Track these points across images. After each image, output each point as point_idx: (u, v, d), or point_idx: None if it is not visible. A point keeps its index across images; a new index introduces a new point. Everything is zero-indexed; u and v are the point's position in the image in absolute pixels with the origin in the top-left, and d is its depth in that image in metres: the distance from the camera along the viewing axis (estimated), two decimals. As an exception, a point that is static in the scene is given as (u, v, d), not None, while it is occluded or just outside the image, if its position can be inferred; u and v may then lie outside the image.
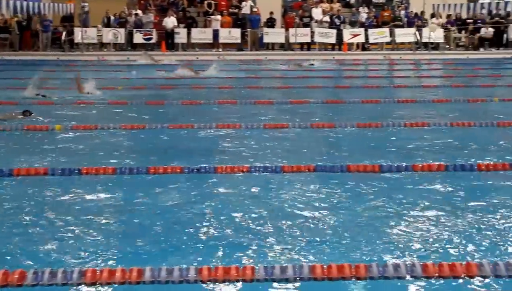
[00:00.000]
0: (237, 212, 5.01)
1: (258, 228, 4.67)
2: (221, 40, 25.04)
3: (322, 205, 5.19)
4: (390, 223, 4.75)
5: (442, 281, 3.59)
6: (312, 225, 4.71)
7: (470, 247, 4.22)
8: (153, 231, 4.61)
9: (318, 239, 4.38)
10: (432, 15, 27.06)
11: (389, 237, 4.44)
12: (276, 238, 4.42)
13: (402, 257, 4.02)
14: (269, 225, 4.71)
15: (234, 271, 3.65)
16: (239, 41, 25.14)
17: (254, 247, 4.25)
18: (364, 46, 25.55)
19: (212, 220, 4.86)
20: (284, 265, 3.74)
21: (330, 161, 6.57)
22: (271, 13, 25.90)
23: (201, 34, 25.21)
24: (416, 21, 26.05)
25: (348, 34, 25.14)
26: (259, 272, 3.63)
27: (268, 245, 4.29)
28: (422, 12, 26.66)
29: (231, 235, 4.51)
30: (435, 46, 25.57)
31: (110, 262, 3.99)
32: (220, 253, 4.15)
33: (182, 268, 3.63)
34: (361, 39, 25.29)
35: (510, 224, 4.70)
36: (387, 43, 25.65)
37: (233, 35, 25.02)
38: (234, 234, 4.53)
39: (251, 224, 4.74)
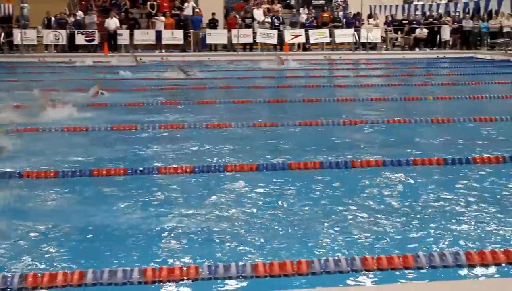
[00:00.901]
0: (178, 213, 5.06)
1: (199, 227, 4.74)
2: (164, 41, 25.00)
3: (263, 203, 5.31)
4: (332, 218, 4.87)
5: (379, 274, 3.73)
6: (254, 223, 4.81)
7: (407, 240, 4.39)
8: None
9: (259, 237, 4.49)
10: (369, 16, 27.85)
11: (331, 233, 4.56)
12: (218, 236, 4.51)
13: (344, 252, 4.14)
14: (212, 224, 4.79)
15: (178, 271, 3.70)
16: (181, 42, 25.16)
17: (196, 246, 4.34)
18: (305, 47, 26.03)
19: (155, 221, 4.91)
20: (227, 264, 3.79)
21: (273, 159, 6.69)
22: (213, 14, 26.01)
23: (144, 35, 25.15)
24: (354, 22, 26.74)
25: (289, 34, 25.56)
26: (204, 271, 3.69)
27: (212, 244, 4.37)
28: (359, 13, 27.38)
29: (173, 236, 4.57)
30: (373, 46, 26.35)
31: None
32: (164, 254, 4.22)
33: (126, 270, 3.63)
34: (302, 39, 25.78)
35: (440, 217, 4.91)
36: (327, 43, 26.21)
37: (175, 36, 25.04)
38: (178, 234, 4.60)
39: (192, 225, 4.80)
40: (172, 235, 4.58)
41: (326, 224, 4.78)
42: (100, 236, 4.62)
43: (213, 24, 25.91)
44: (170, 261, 4.07)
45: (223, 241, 4.44)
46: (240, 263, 3.79)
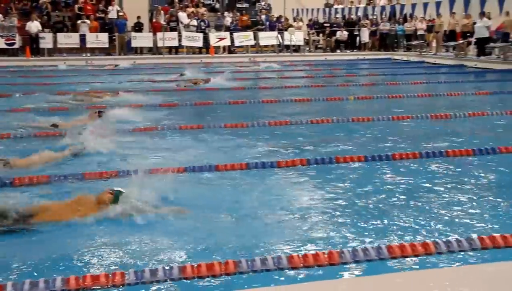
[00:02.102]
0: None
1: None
2: (88, 45, 24.59)
3: (191, 204, 5.26)
4: (259, 218, 5.01)
5: (306, 271, 3.90)
6: (181, 224, 4.81)
7: (334, 236, 4.60)
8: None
9: (183, 239, 4.51)
10: (293, 19, 28.54)
11: (257, 233, 4.67)
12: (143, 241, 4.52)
13: (269, 251, 4.24)
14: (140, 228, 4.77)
15: (103, 278, 3.72)
16: (106, 45, 24.82)
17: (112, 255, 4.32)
18: (230, 49, 26.33)
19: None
20: (154, 268, 3.83)
21: (199, 161, 6.75)
22: (138, 17, 25.82)
23: (67, 39, 24.57)
24: (277, 25, 27.30)
25: (214, 37, 25.77)
26: (130, 276, 3.72)
27: (133, 250, 4.35)
28: (280, 16, 27.97)
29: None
30: (296, 49, 27.01)
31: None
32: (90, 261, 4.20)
33: (48, 280, 3.66)
34: (227, 42, 26.06)
35: (365, 213, 5.18)
36: (252, 46, 26.62)
37: (100, 39, 24.67)
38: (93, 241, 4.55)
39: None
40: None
41: (254, 223, 4.90)
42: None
43: (138, 27, 25.73)
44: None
45: (145, 245, 4.53)
46: (167, 266, 3.89)
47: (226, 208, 5.22)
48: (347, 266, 3.97)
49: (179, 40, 25.44)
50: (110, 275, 3.77)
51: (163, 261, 4.12)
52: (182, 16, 26.39)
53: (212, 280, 3.79)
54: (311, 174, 6.48)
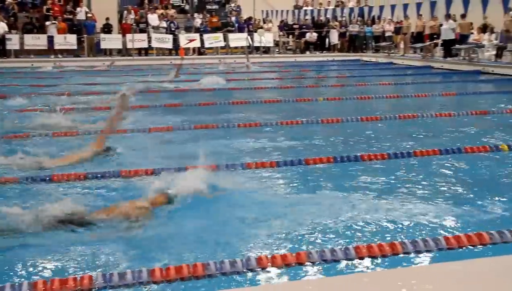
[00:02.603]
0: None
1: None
2: (56, 47, 24.26)
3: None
4: (228, 222, 4.98)
5: (276, 270, 3.92)
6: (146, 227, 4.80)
7: (301, 237, 4.63)
8: None
9: (145, 243, 4.50)
10: (263, 21, 28.63)
11: (220, 236, 4.64)
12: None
13: (238, 254, 4.24)
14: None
15: (71, 282, 3.68)
16: (75, 47, 24.54)
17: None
18: (200, 51, 26.28)
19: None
20: (122, 271, 3.81)
21: (169, 164, 6.73)
22: (107, 19, 25.58)
23: (35, 40, 24.18)
24: (247, 26, 27.36)
25: (184, 39, 25.70)
26: (97, 279, 3.70)
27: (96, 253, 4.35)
28: (251, 18, 28.03)
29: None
30: (266, 50, 27.10)
31: None
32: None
33: (14, 285, 3.63)
34: (197, 44, 26.01)
35: (331, 213, 5.21)
36: (222, 47, 26.62)
37: (68, 41, 24.37)
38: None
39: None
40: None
41: (218, 228, 4.92)
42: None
43: (107, 29, 25.50)
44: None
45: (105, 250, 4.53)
46: (136, 270, 3.86)
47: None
48: (315, 266, 4.00)
49: (149, 42, 25.31)
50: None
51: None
52: (152, 17, 26.28)
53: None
54: (279, 175, 6.49)
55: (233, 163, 6.79)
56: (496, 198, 5.59)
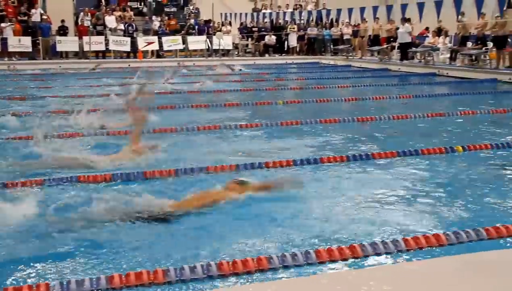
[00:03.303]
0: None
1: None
2: (10, 49, 23.69)
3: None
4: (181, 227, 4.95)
5: (234, 277, 3.91)
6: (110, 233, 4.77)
7: (261, 243, 4.60)
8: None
9: (111, 250, 4.45)
10: (222, 24, 28.59)
11: (166, 242, 4.61)
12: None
13: (197, 259, 4.18)
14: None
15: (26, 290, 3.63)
16: (30, 49, 24.01)
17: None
18: (158, 54, 26.08)
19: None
20: (80, 278, 3.79)
21: (128, 169, 6.65)
22: (63, 21, 25.12)
23: (-13, 42, 23.53)
24: (206, 29, 27.29)
25: (142, 42, 25.46)
26: (55, 288, 3.66)
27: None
28: (210, 20, 27.97)
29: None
30: (225, 53, 27.08)
31: None
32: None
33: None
34: (155, 46, 25.80)
35: (291, 218, 5.19)
36: (181, 50, 26.47)
37: (23, 43, 23.82)
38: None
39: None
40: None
41: (167, 233, 4.91)
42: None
43: (63, 31, 25.03)
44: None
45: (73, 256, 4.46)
46: (94, 277, 3.84)
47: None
48: (276, 271, 4.01)
49: (106, 45, 24.97)
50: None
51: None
52: (109, 20, 25.94)
53: None
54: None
55: (192, 168, 6.71)
56: (453, 199, 5.71)
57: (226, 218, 5.10)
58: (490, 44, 19.43)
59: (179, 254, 4.33)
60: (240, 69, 21.93)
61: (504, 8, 18.39)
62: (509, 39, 19.11)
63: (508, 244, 4.49)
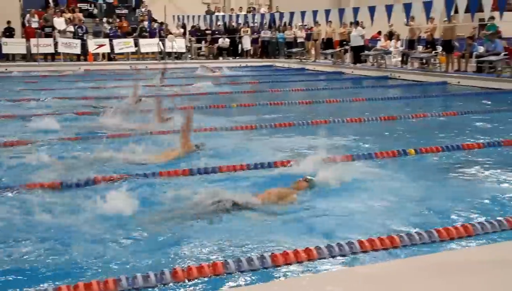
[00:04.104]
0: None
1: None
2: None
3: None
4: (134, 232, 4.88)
5: (189, 284, 3.85)
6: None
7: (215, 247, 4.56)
8: None
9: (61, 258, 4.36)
10: (176, 26, 28.31)
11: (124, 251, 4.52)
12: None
13: (152, 268, 4.11)
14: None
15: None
16: (-27, 52, 23.22)
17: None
18: (110, 56, 25.61)
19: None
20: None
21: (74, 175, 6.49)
22: (9, 22, 24.37)
23: None
24: (158, 31, 26.95)
25: (93, 44, 24.94)
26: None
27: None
28: (162, 23, 27.65)
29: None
30: (179, 56, 26.79)
31: None
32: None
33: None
34: (106, 49, 25.33)
35: (247, 224, 5.15)
36: (133, 53, 26.07)
37: (-34, 45, 23.01)
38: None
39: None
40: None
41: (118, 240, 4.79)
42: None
43: (9, 32, 24.28)
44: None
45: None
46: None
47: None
48: (232, 276, 3.96)
49: (55, 47, 24.36)
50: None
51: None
52: (58, 21, 25.30)
53: None
54: (186, 182, 6.36)
55: (145, 173, 6.57)
56: (406, 201, 5.73)
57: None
58: (440, 48, 19.87)
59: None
60: (214, 71, 21.74)
61: (452, 14, 18.82)
62: (456, 44, 19.59)
63: (456, 245, 4.53)
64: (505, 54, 17.61)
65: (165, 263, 4.24)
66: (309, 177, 6.01)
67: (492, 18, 18.80)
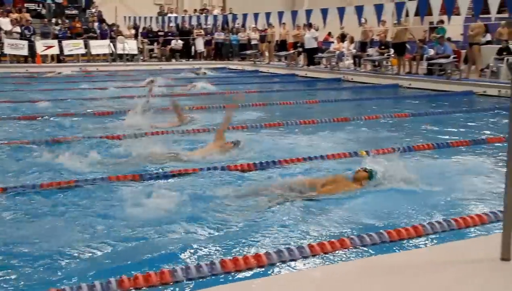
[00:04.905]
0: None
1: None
2: None
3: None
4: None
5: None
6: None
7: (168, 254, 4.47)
8: None
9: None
10: (128, 28, 27.86)
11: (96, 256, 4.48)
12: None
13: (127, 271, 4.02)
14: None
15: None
16: None
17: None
18: (59, 58, 25.00)
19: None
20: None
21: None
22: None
23: None
24: (109, 32, 26.47)
25: (41, 45, 24.29)
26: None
27: None
28: (113, 24, 27.18)
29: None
30: (130, 58, 26.35)
31: None
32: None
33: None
34: (55, 50, 24.73)
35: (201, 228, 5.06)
36: (83, 54, 25.51)
37: None
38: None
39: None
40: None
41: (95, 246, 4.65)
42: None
43: (-49, 33, 23.43)
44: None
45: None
46: None
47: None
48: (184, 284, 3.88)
49: (1, 48, 23.63)
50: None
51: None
52: (3, 22, 24.58)
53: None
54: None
55: (94, 178, 6.36)
56: (358, 203, 5.70)
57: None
58: (392, 51, 20.17)
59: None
60: (205, 73, 21.48)
61: (402, 18, 19.13)
62: (408, 46, 19.91)
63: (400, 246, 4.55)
64: (454, 57, 17.99)
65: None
66: (368, 168, 6.12)
67: (442, 21, 19.19)
